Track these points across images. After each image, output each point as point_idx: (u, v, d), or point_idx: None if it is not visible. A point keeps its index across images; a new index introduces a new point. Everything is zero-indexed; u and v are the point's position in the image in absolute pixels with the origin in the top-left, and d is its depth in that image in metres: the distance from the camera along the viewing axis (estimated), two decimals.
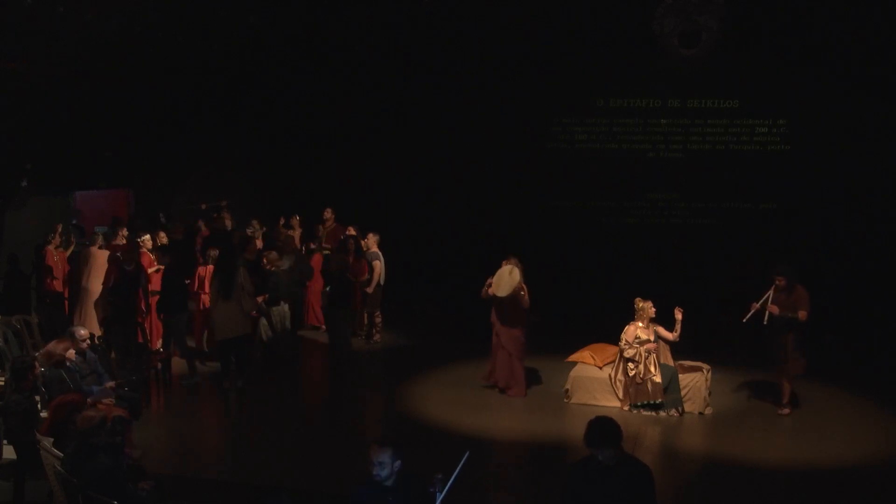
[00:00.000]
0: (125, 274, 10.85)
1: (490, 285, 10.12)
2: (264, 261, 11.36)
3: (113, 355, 10.58)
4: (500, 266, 10.17)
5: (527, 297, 10.08)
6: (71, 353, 8.02)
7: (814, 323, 12.77)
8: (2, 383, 8.70)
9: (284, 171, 15.80)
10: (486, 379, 10.56)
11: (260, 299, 11.03)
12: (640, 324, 9.69)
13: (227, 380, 10.49)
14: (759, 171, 14.25)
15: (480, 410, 9.72)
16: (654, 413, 9.56)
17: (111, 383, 8.38)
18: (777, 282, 9.41)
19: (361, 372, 11.62)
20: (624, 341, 9.73)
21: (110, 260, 11.35)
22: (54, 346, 8.00)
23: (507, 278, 10.03)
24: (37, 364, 7.50)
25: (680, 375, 9.65)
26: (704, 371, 9.79)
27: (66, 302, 12.44)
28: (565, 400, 10.02)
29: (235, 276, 10.35)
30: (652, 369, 9.51)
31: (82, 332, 8.47)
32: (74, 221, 14.30)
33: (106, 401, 7.89)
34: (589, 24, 13.80)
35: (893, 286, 13.03)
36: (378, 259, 12.37)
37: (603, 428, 5.15)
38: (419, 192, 15.07)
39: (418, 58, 14.39)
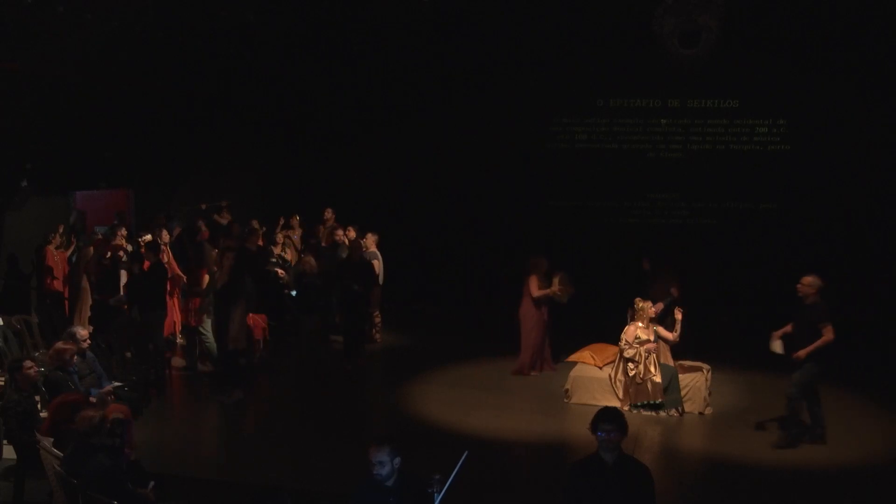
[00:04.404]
0: (103, 270, 10.88)
1: (538, 285, 10.84)
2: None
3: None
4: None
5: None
6: (74, 359, 8.03)
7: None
8: (2, 383, 8.71)
9: (285, 171, 15.81)
10: (528, 371, 11.06)
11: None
12: (640, 324, 9.69)
13: (237, 389, 10.25)
14: (759, 171, 14.26)
15: (480, 410, 9.72)
16: (654, 413, 9.56)
17: (109, 387, 8.37)
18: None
19: (362, 372, 11.61)
20: (624, 341, 9.73)
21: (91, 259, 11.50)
22: (63, 346, 8.00)
23: (566, 285, 10.99)
24: (26, 363, 7.48)
25: (680, 375, 9.66)
26: (704, 371, 9.79)
27: (66, 302, 12.43)
28: (565, 400, 10.02)
29: (247, 281, 10.36)
30: (652, 369, 9.51)
31: (82, 331, 8.47)
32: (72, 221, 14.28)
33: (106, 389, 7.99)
34: (589, 24, 13.80)
35: (893, 286, 13.04)
36: (377, 259, 12.37)
37: (611, 410, 5.42)
38: (419, 192, 15.08)
39: (419, 58, 14.40)
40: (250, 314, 11.06)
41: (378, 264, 12.36)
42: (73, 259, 12.64)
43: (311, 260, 11.25)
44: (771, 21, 13.27)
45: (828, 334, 8.38)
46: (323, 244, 13.40)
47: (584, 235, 14.56)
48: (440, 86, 14.66)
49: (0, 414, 7.51)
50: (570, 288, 10.93)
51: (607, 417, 5.26)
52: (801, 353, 8.44)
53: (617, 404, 9.56)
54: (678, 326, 9.64)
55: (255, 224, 13.72)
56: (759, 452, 8.50)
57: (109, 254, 11.75)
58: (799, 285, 8.61)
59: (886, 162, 13.49)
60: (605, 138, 14.85)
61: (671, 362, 9.77)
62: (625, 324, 9.90)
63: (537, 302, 10.89)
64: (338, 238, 12.35)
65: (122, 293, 11.59)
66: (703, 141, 14.51)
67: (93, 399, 7.51)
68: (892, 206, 13.45)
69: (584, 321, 11.36)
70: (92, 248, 11.88)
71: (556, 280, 10.88)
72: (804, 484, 7.88)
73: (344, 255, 11.90)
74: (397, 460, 5.05)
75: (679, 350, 9.93)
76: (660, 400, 9.51)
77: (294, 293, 11.31)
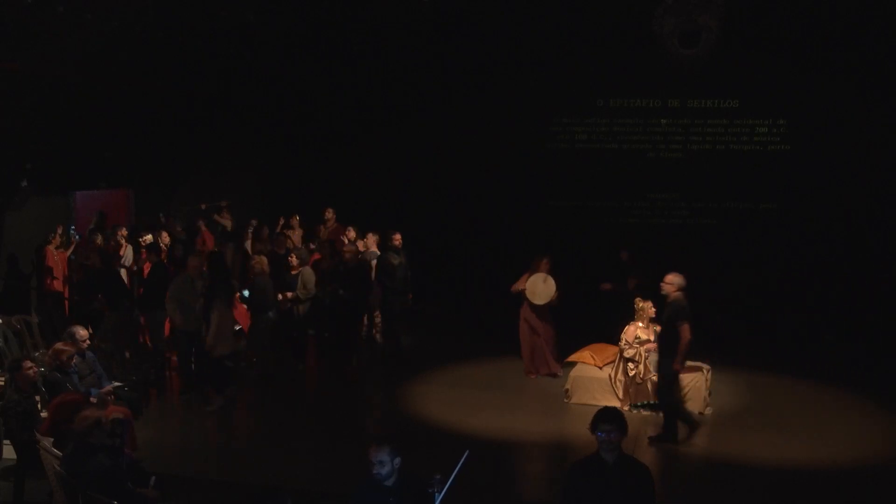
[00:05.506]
0: (86, 270, 10.90)
1: (524, 282, 10.80)
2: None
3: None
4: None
5: (557, 295, 10.85)
6: (74, 359, 8.02)
7: (813, 322, 12.90)
8: (2, 383, 8.71)
9: (285, 171, 15.80)
10: (531, 373, 11.00)
11: (290, 295, 11.13)
12: (640, 324, 9.69)
13: (227, 391, 10.10)
14: (759, 171, 14.25)
15: (480, 410, 9.73)
16: (654, 413, 9.55)
17: (109, 387, 8.37)
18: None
19: (361, 372, 11.61)
20: (624, 341, 9.73)
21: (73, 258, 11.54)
22: (62, 347, 8.00)
23: (541, 287, 10.76)
24: (26, 364, 7.48)
25: (680, 375, 9.64)
26: (704, 371, 9.79)
27: (66, 302, 12.44)
28: (565, 400, 10.02)
29: (232, 282, 10.25)
30: (652, 369, 9.50)
31: (82, 332, 8.46)
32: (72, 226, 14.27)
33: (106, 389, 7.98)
34: (589, 24, 13.80)
35: (893, 286, 13.04)
36: (377, 259, 12.35)
37: (611, 411, 5.42)
38: (420, 193, 15.07)
39: (419, 58, 14.39)
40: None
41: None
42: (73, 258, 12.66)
43: (264, 260, 11.04)
44: (771, 21, 13.26)
45: (684, 333, 8.50)
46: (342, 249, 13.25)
47: (584, 235, 14.55)
48: (440, 86, 14.65)
49: (0, 414, 7.52)
50: (542, 290, 10.76)
51: (607, 418, 5.26)
52: (676, 366, 8.60)
53: (617, 404, 9.56)
54: None
55: (255, 223, 13.76)
56: (759, 452, 8.50)
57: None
58: (662, 283, 8.73)
59: (886, 162, 13.48)
60: (605, 138, 14.84)
61: None
62: (624, 324, 9.91)
63: (521, 300, 10.92)
64: (395, 242, 11.78)
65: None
66: (703, 141, 14.50)
67: (93, 399, 7.52)
68: (892, 206, 13.45)
69: (585, 321, 11.36)
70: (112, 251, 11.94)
71: (524, 277, 10.87)
72: (804, 484, 7.88)
73: (394, 261, 11.73)
74: (397, 460, 5.05)
75: None
76: None
77: (246, 293, 11.14)
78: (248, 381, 10.98)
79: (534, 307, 10.85)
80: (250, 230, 13.60)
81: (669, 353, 8.62)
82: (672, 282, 8.65)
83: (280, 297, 11.18)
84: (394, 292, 11.75)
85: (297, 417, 9.75)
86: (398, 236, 11.85)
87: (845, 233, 13.72)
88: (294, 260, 11.35)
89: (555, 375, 10.91)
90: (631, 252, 11.70)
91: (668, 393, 8.79)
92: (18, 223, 12.89)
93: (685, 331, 8.48)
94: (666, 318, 8.73)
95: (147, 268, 11.42)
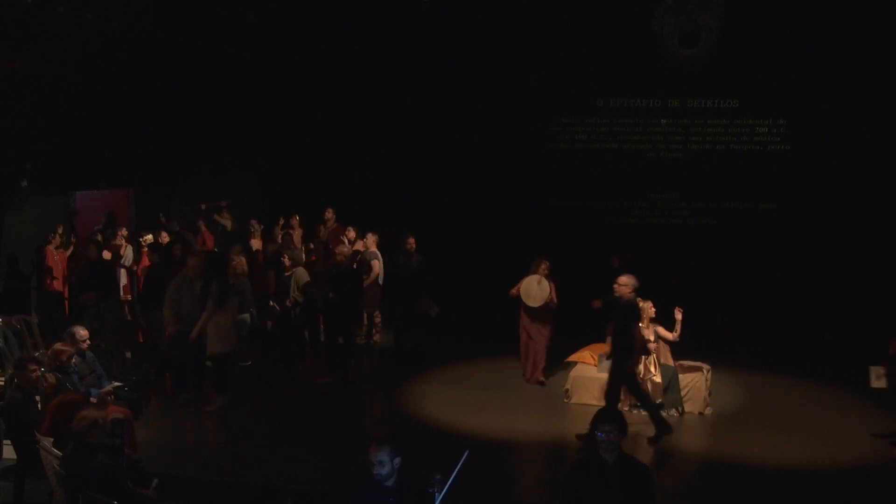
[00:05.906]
0: (83, 264, 11.01)
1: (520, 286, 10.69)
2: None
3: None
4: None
5: (555, 298, 10.61)
6: (73, 359, 8.02)
7: (813, 322, 12.90)
8: (2, 383, 8.71)
9: (285, 171, 15.80)
10: (529, 378, 10.85)
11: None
12: (641, 324, 9.68)
13: (222, 394, 10.05)
14: (759, 171, 14.26)
15: (480, 410, 9.73)
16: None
17: (109, 387, 8.37)
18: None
19: (361, 372, 11.61)
20: None
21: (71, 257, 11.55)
22: (62, 347, 8.00)
23: (536, 289, 10.60)
24: (30, 366, 7.47)
25: (680, 375, 9.66)
26: (704, 371, 9.79)
27: (66, 302, 12.44)
28: (565, 400, 10.02)
29: (228, 282, 10.17)
30: (652, 369, 9.50)
31: (82, 332, 8.45)
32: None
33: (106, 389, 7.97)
34: (589, 24, 13.80)
35: (893, 286, 13.04)
36: (377, 259, 12.35)
37: (609, 411, 5.53)
38: (419, 193, 15.08)
39: (419, 58, 14.40)
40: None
41: (378, 264, 12.34)
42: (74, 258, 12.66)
43: (243, 261, 10.87)
44: (771, 21, 13.27)
45: (638, 334, 8.74)
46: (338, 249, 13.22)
47: (584, 235, 14.56)
48: (440, 86, 14.65)
49: (0, 414, 7.51)
50: (536, 292, 10.62)
51: (606, 418, 5.27)
52: (631, 367, 8.82)
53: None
54: (678, 326, 9.62)
55: (256, 224, 13.75)
56: (759, 452, 8.51)
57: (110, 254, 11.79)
58: (615, 285, 8.80)
59: (886, 162, 13.49)
60: (605, 138, 14.85)
61: (671, 362, 9.77)
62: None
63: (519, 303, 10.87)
64: (409, 247, 11.72)
65: (122, 294, 11.60)
66: (703, 141, 14.52)
67: (93, 399, 7.52)
68: (892, 206, 13.45)
69: (584, 322, 11.35)
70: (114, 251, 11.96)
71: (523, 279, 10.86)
72: (804, 484, 7.89)
73: (400, 261, 11.72)
74: (397, 460, 5.05)
75: (679, 350, 9.92)
76: (659, 400, 9.50)
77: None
78: (247, 382, 10.98)
79: (529, 310, 10.75)
80: (252, 230, 13.59)
81: (623, 353, 8.75)
82: (626, 283, 8.73)
83: (271, 303, 11.20)
84: (397, 294, 11.71)
85: (297, 418, 9.75)
86: (411, 240, 11.81)
87: (845, 233, 13.73)
88: (287, 261, 11.31)
89: (540, 383, 10.79)
90: (623, 258, 11.59)
91: (615, 392, 8.93)
92: (18, 223, 12.88)
93: (639, 331, 8.75)
94: (618, 318, 8.83)
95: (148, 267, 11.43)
